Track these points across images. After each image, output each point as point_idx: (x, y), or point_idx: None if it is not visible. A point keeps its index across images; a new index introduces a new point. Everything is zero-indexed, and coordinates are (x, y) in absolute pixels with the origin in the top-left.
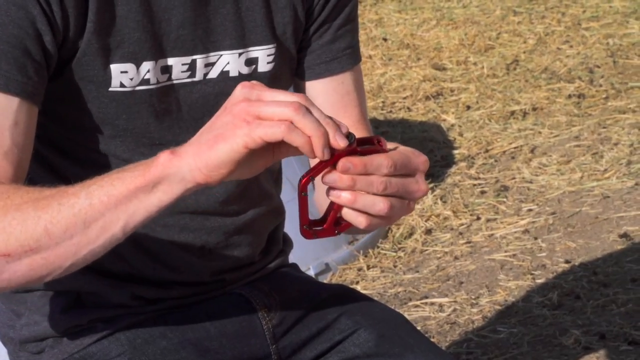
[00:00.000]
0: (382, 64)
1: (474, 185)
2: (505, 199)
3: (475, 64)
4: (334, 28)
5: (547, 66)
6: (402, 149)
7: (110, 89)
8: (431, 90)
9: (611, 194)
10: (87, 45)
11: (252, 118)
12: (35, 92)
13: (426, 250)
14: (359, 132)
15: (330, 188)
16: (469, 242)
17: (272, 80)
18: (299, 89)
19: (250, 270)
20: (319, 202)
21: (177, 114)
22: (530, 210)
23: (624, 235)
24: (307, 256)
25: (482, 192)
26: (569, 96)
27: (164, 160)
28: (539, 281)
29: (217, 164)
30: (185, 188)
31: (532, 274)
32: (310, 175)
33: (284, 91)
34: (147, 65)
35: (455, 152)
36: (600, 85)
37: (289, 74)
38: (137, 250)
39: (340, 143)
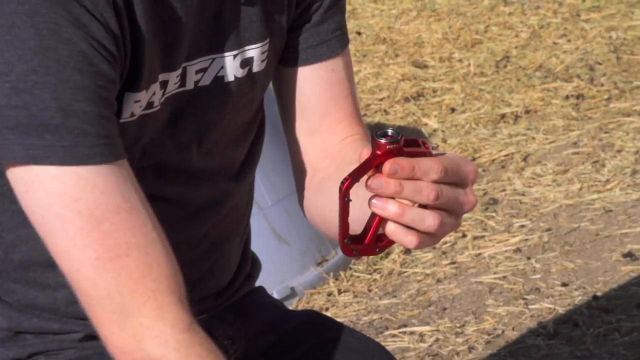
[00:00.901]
0: (355, 61)
1: None
2: (494, 214)
3: (460, 60)
4: (323, 8)
5: (542, 63)
6: (451, 155)
7: (121, 121)
8: (411, 91)
9: (614, 207)
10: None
11: None
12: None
13: (405, 272)
14: (352, 128)
15: (373, 198)
16: (454, 263)
17: (264, 78)
18: (282, 79)
19: (217, 302)
20: (314, 212)
21: (170, 129)
22: (522, 226)
23: (629, 255)
24: (270, 279)
25: None
26: (567, 97)
27: None
28: (532, 307)
29: None
30: None
31: (524, 299)
32: (353, 177)
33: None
34: (152, 88)
35: None
36: (602, 85)
37: (275, 64)
38: None
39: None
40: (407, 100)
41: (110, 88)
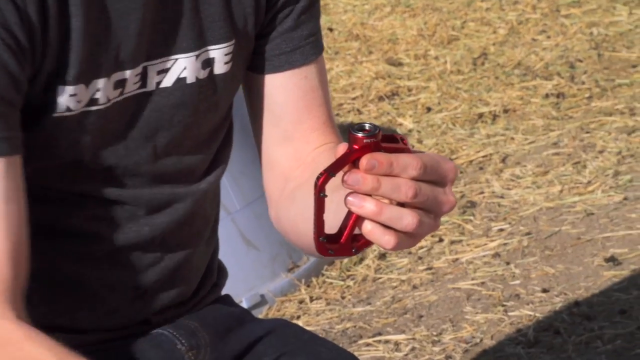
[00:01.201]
0: (327, 58)
1: None
2: (472, 217)
3: (436, 58)
4: (296, 12)
5: (521, 60)
6: (430, 153)
7: (54, 115)
8: (385, 90)
9: (596, 210)
10: (42, 66)
11: None
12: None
13: (379, 278)
14: (326, 137)
15: (349, 195)
16: (430, 269)
17: (229, 82)
18: (252, 86)
19: (181, 311)
20: (285, 224)
21: (127, 132)
22: (501, 230)
23: (611, 259)
24: (238, 286)
25: None
26: (547, 95)
27: None
28: (511, 314)
29: None
30: None
31: (503, 306)
32: (329, 171)
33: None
34: (99, 83)
35: None
36: (583, 83)
37: (243, 70)
38: (58, 295)
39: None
40: (381, 99)
41: (7, 80)
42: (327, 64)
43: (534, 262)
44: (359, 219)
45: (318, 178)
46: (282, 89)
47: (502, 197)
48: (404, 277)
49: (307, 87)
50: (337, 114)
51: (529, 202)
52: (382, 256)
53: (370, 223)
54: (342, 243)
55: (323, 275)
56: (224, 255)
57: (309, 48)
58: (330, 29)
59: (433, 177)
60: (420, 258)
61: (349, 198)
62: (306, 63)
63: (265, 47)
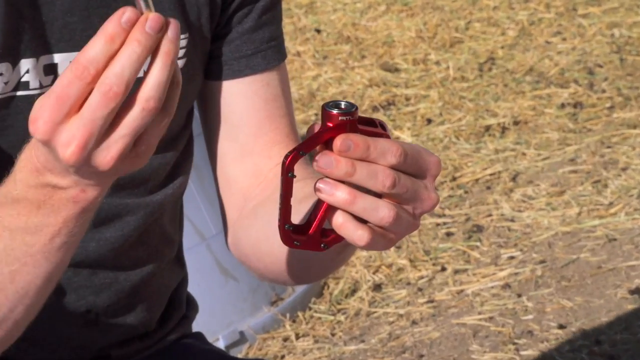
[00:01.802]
0: (314, 63)
1: (438, 224)
2: (478, 243)
3: (437, 63)
4: (256, 12)
5: (533, 66)
6: (410, 143)
7: None
8: (380, 99)
9: (618, 235)
10: None
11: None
12: None
13: (374, 312)
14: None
15: (319, 181)
16: (431, 301)
17: (185, 81)
18: (208, 94)
19: (145, 344)
20: (245, 244)
21: None
22: (511, 257)
23: (636, 291)
24: (214, 322)
25: (448, 234)
26: (562, 105)
27: (80, 201)
28: (524, 353)
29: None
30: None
31: (515, 344)
32: (299, 150)
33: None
34: (26, 64)
35: None
36: (603, 91)
37: (201, 72)
38: None
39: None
40: (375, 109)
41: None
42: (313, 69)
43: (549, 294)
44: (330, 209)
45: (286, 157)
46: (242, 97)
47: (512, 220)
48: (402, 311)
49: (269, 95)
50: None
51: (543, 226)
52: (377, 287)
53: (342, 215)
54: (310, 235)
55: (310, 309)
56: (197, 286)
57: (271, 52)
58: (318, 31)
59: (414, 168)
60: (420, 289)
61: (319, 184)
62: (268, 68)
63: (223, 50)
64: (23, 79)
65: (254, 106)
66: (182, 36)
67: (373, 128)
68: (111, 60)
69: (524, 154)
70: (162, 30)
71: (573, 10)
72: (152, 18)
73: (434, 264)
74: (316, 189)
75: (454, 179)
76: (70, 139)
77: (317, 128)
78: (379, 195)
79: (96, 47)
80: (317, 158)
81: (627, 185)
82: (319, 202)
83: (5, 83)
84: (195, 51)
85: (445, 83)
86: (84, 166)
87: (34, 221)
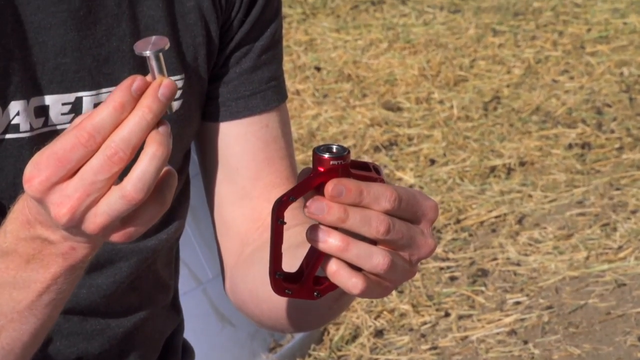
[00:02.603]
0: (314, 102)
1: (441, 268)
2: (483, 288)
3: (441, 102)
4: (255, 51)
5: (539, 105)
6: (406, 187)
7: None
8: (382, 139)
9: (628, 280)
10: None
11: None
12: None
13: (376, 359)
14: None
15: (311, 227)
16: (435, 348)
17: (181, 123)
18: (205, 136)
19: None
20: (242, 289)
21: None
22: (517, 303)
23: None
24: None
25: (452, 279)
26: (570, 146)
27: (70, 258)
28: None
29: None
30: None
31: None
32: (290, 195)
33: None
34: (16, 106)
35: None
36: (612, 131)
37: (198, 114)
38: None
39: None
40: (377, 149)
41: None
42: (313, 108)
43: (556, 340)
44: (323, 257)
45: (276, 203)
46: (240, 139)
47: (518, 264)
48: (404, 358)
49: (268, 137)
50: None
51: (550, 270)
52: (378, 333)
53: (336, 262)
54: (302, 283)
55: (310, 355)
56: (193, 332)
57: (270, 93)
58: (318, 69)
59: (409, 213)
60: (423, 335)
61: (312, 231)
62: (267, 110)
63: (221, 91)
64: (13, 122)
65: (252, 148)
66: (178, 77)
67: (367, 172)
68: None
69: (530, 195)
70: (174, 97)
71: (581, 48)
72: (165, 85)
73: (437, 309)
74: (308, 236)
75: (458, 221)
76: (65, 200)
77: (306, 172)
78: (374, 241)
79: (103, 114)
80: (308, 204)
81: (637, 228)
82: (311, 249)
83: None
84: (192, 92)
85: (449, 122)
86: (74, 227)
87: (23, 276)
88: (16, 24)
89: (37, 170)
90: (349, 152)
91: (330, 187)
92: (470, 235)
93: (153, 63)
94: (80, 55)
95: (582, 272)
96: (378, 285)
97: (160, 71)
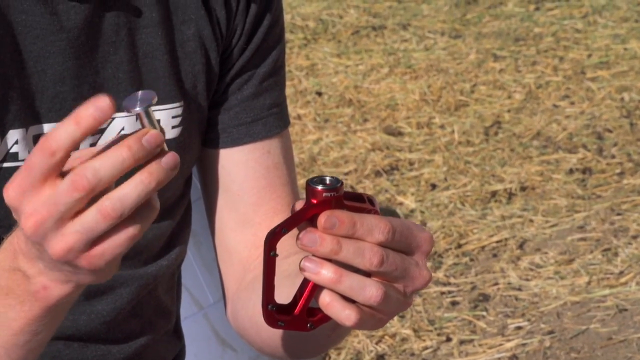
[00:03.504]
0: (315, 127)
1: (443, 293)
2: (484, 313)
3: (442, 127)
4: (257, 78)
5: (540, 130)
6: (401, 219)
7: None
8: (383, 163)
9: (629, 305)
10: None
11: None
12: None
13: None
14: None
15: (304, 259)
16: None
17: (181, 150)
18: (207, 162)
19: None
20: (243, 316)
21: None
22: (519, 328)
23: None
24: None
25: (453, 304)
26: (571, 171)
27: (43, 298)
28: None
29: (102, 278)
30: (75, 298)
31: None
32: (282, 227)
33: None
34: (14, 135)
35: None
36: (613, 157)
37: (198, 141)
38: None
39: (170, 165)
40: (378, 174)
41: None
42: (315, 133)
43: None
44: (317, 288)
45: (268, 235)
46: (241, 166)
47: (519, 289)
48: None
49: (270, 163)
50: None
51: (552, 295)
52: (379, 358)
53: (329, 294)
54: (295, 315)
55: None
56: (195, 356)
57: (272, 119)
58: (319, 93)
59: (404, 245)
60: None
61: (305, 262)
62: (269, 136)
63: (222, 118)
64: (12, 150)
65: (254, 175)
66: (177, 104)
67: (360, 204)
68: (77, 145)
69: (531, 220)
70: (158, 148)
71: (581, 73)
72: (151, 134)
73: (438, 334)
74: (301, 268)
75: (459, 246)
76: (33, 212)
77: (299, 205)
78: (368, 273)
79: (69, 129)
80: (300, 236)
81: (638, 253)
82: (305, 281)
83: None
84: (191, 119)
85: (450, 147)
86: (37, 244)
87: (0, 311)
88: (15, 53)
89: (12, 178)
90: (342, 183)
91: (323, 219)
92: (472, 260)
93: (144, 120)
94: (78, 83)
95: (584, 297)
96: (372, 317)
97: (152, 124)
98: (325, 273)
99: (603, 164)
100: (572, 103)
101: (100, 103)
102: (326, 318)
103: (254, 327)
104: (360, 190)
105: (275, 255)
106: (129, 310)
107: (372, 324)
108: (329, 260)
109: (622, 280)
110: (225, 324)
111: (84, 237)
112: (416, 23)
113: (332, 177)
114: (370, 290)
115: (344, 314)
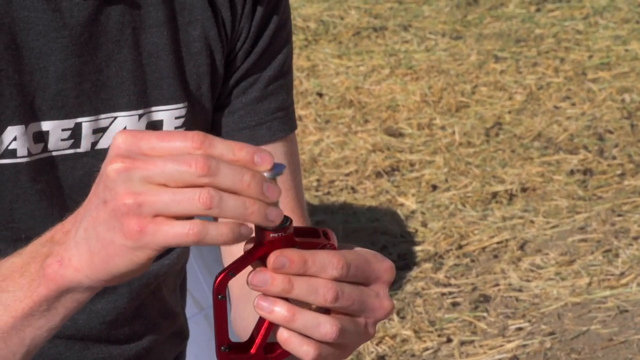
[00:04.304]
0: (316, 128)
1: (443, 294)
2: (485, 314)
3: (443, 128)
4: (262, 82)
5: (541, 131)
6: (359, 249)
7: None
8: (383, 164)
9: (630, 307)
10: None
11: (145, 223)
12: None
13: None
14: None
15: (258, 298)
16: None
17: None
18: None
19: None
20: (240, 325)
21: (55, 197)
22: (519, 329)
23: None
24: None
25: (454, 304)
26: (572, 172)
27: (53, 274)
28: None
29: (118, 276)
30: (84, 299)
31: None
32: (229, 270)
33: (179, 135)
34: (12, 131)
35: (417, 248)
36: (614, 158)
37: None
38: None
39: (273, 218)
40: (379, 175)
41: None
42: (315, 134)
43: None
44: (272, 326)
45: (216, 278)
46: None
47: (520, 290)
48: None
49: None
50: (328, 193)
51: (552, 296)
52: (380, 359)
53: (287, 331)
54: (252, 354)
55: None
56: (195, 356)
57: (277, 123)
58: (320, 94)
59: (361, 278)
60: None
61: (258, 301)
62: (273, 140)
63: (226, 121)
64: (10, 147)
65: None
66: (181, 105)
67: (314, 239)
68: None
69: (532, 221)
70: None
71: (582, 74)
72: (273, 209)
73: (439, 335)
74: (255, 305)
75: (460, 247)
76: (133, 158)
77: (248, 246)
78: (326, 309)
79: (228, 147)
80: (250, 277)
81: (639, 254)
82: (261, 319)
83: None
84: (195, 121)
85: (451, 148)
86: (108, 189)
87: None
88: (15, 50)
89: (149, 133)
90: (291, 222)
91: (272, 259)
92: (472, 261)
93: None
94: (80, 81)
95: (584, 298)
96: (333, 349)
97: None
98: (278, 311)
99: (604, 165)
100: (573, 104)
101: (264, 154)
102: (285, 353)
103: (247, 336)
104: (361, 191)
105: (224, 298)
106: (132, 311)
107: (333, 357)
108: (285, 298)
109: (623, 281)
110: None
111: (160, 203)
112: (417, 24)
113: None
114: (324, 327)
115: (303, 350)
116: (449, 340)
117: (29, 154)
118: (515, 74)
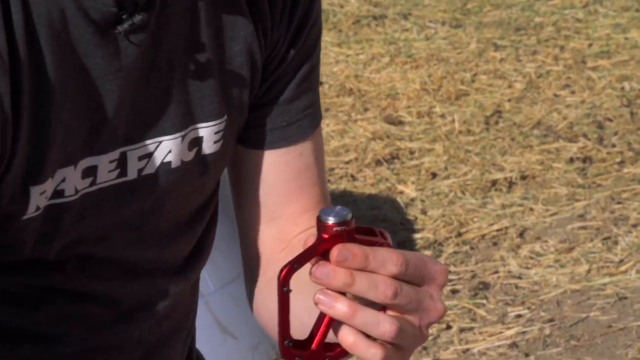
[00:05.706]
0: None
1: None
2: (484, 301)
3: (442, 116)
4: (296, 81)
5: (541, 119)
6: (414, 251)
7: (24, 218)
8: (383, 152)
9: (629, 294)
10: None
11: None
12: None
13: None
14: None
15: (319, 292)
16: None
17: (219, 162)
18: (240, 159)
19: None
20: (265, 316)
21: (102, 226)
22: (519, 316)
23: None
24: None
25: (454, 292)
26: (571, 160)
27: None
28: None
29: None
30: None
31: None
32: (294, 262)
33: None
34: (62, 173)
35: (417, 236)
36: (613, 146)
37: (233, 145)
38: None
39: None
40: (378, 163)
41: None
42: None
43: (558, 353)
44: (332, 323)
45: (281, 270)
46: (273, 168)
47: (519, 277)
48: None
49: (302, 166)
50: (328, 181)
51: (552, 283)
52: None
53: (352, 333)
54: (312, 350)
55: None
56: (195, 344)
57: (306, 121)
58: (320, 83)
59: (417, 277)
60: (424, 348)
61: (319, 296)
62: (302, 138)
63: (259, 121)
64: (58, 188)
65: (285, 177)
66: (220, 120)
67: (372, 237)
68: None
69: (531, 209)
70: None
71: (582, 62)
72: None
73: (439, 322)
74: (315, 300)
75: (460, 234)
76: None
77: (311, 240)
78: (382, 306)
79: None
80: (313, 270)
81: (638, 242)
82: (320, 316)
83: (45, 197)
84: (232, 129)
85: (451, 136)
86: None
87: None
88: (84, 91)
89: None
90: (352, 217)
91: (335, 252)
92: (472, 248)
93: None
94: (131, 114)
95: (584, 285)
96: (395, 352)
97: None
98: (339, 307)
99: (603, 153)
100: (573, 92)
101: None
102: (343, 353)
103: (273, 326)
104: (361, 179)
105: (289, 290)
106: (164, 315)
107: (395, 359)
108: (343, 293)
109: (622, 268)
110: (225, 312)
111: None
112: (417, 12)
113: (342, 207)
114: (384, 325)
115: (370, 353)
116: (449, 327)
117: (75, 192)
118: (515, 62)
